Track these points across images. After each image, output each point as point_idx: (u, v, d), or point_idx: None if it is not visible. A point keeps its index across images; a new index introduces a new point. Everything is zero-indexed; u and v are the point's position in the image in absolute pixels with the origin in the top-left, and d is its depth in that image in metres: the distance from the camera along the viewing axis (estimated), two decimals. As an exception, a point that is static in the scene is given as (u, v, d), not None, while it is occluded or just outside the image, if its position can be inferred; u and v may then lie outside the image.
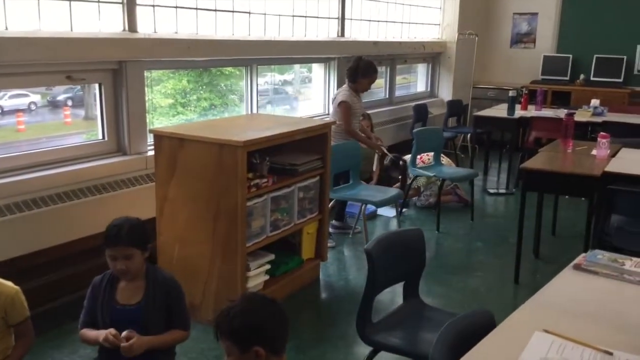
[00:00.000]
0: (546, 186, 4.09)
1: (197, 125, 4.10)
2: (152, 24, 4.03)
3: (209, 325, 1.80)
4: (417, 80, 8.43)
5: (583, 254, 2.38)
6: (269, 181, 3.44)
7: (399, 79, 7.67)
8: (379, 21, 6.88)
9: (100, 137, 3.87)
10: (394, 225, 5.23)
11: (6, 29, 3.24)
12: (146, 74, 4.04)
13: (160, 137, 3.37)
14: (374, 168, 5.88)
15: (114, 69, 3.79)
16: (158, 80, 4.72)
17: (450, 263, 4.51)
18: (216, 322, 1.75)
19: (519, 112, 6.54)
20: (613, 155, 4.18)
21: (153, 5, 4.02)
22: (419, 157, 5.62)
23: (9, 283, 2.28)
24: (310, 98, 6.32)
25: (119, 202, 3.60)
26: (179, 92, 5.01)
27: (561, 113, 5.84)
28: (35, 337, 2.38)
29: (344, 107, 4.73)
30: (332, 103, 4.98)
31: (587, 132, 6.04)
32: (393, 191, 4.82)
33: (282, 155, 3.69)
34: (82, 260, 3.50)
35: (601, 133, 4.25)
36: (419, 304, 2.71)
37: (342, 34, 6.16)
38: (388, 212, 5.41)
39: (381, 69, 6.83)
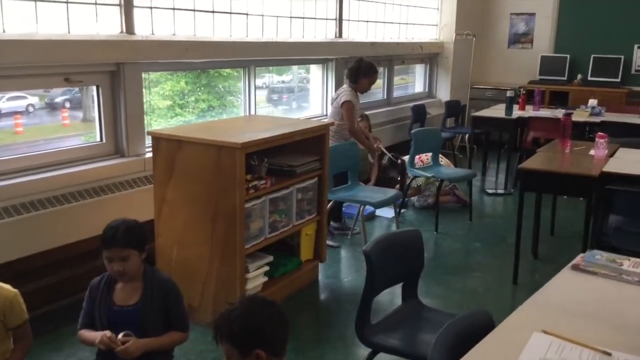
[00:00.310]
0: (544, 186, 4.09)
1: (195, 126, 4.10)
2: (150, 25, 4.03)
3: (207, 327, 1.80)
4: (415, 81, 8.44)
5: (581, 254, 2.38)
6: (267, 183, 3.44)
7: (396, 79, 7.68)
8: (376, 22, 6.89)
9: (98, 139, 3.87)
10: (392, 226, 5.23)
11: (3, 31, 3.24)
12: (144, 75, 4.04)
13: (158, 139, 3.37)
14: (371, 162, 5.86)
15: (112, 70, 3.79)
16: (156, 82, 4.72)
17: (448, 263, 4.51)
18: (216, 325, 1.75)
19: (516, 113, 6.55)
20: (611, 155, 4.18)
21: (150, 7, 4.02)
22: (417, 157, 5.62)
23: (7, 286, 2.27)
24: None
25: (117, 205, 3.60)
26: (177, 94, 5.01)
27: (559, 113, 5.85)
28: (34, 339, 2.38)
29: (348, 107, 4.74)
30: (332, 103, 4.98)
31: (585, 132, 6.04)
32: (391, 192, 4.82)
33: (281, 157, 3.69)
34: (80, 262, 3.50)
35: (599, 133, 4.26)
36: (417, 305, 2.71)
37: (340, 35, 6.16)
38: (387, 212, 5.41)
39: (379, 70, 6.82)
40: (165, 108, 4.89)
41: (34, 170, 3.44)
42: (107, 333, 2.18)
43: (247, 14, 4.89)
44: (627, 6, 8.01)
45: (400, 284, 2.73)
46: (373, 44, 6.57)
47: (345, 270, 4.39)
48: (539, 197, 4.56)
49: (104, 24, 3.76)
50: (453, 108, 7.78)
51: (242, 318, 1.72)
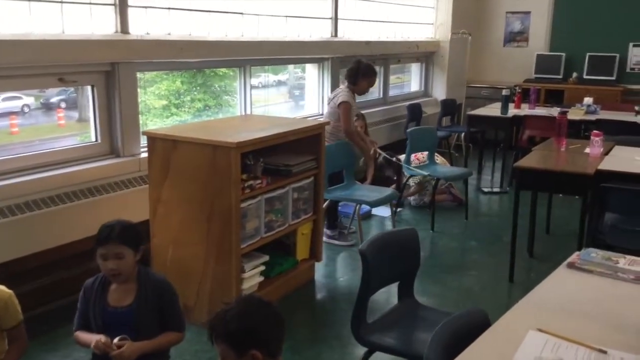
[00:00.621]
0: (540, 185, 4.10)
1: (190, 126, 4.09)
2: (145, 25, 4.02)
3: (202, 327, 1.79)
4: (411, 80, 8.44)
5: (577, 253, 2.38)
6: (263, 182, 3.43)
7: (392, 78, 7.68)
8: (372, 21, 6.88)
9: (94, 139, 3.86)
10: (388, 225, 5.23)
11: (-3, 31, 3.23)
12: (139, 75, 4.03)
13: (154, 139, 3.36)
14: (361, 163, 5.84)
15: (107, 70, 3.78)
16: (152, 81, 4.71)
17: (444, 262, 4.52)
18: (211, 325, 1.74)
19: (512, 111, 6.56)
20: (606, 153, 4.19)
21: (145, 7, 4.01)
22: (413, 155, 5.62)
23: (2, 287, 2.27)
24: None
25: (112, 205, 3.59)
26: (172, 94, 5.00)
27: (554, 111, 5.87)
28: (29, 341, 2.37)
29: (345, 107, 4.72)
30: (329, 103, 4.97)
31: (580, 130, 6.04)
32: (388, 191, 4.83)
33: (276, 156, 3.69)
34: (76, 263, 3.48)
35: (594, 131, 4.27)
36: (413, 304, 2.71)
37: (336, 34, 6.16)
38: (383, 211, 5.41)
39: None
40: (161, 108, 4.88)
41: (29, 171, 3.43)
42: (102, 338, 2.16)
43: (242, 14, 4.89)
44: (622, 4, 8.03)
45: (397, 283, 2.73)
46: (369, 43, 6.57)
47: (342, 269, 4.39)
48: (534, 196, 4.57)
49: (99, 24, 3.74)
50: (449, 107, 7.79)
51: (238, 318, 1.71)
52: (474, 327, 1.79)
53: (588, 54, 8.18)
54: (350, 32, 6.42)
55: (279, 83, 6.43)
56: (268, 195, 3.50)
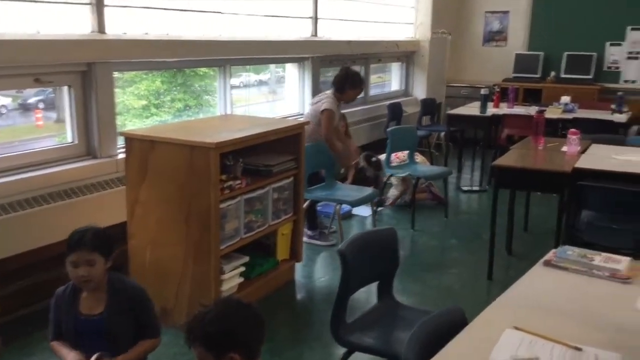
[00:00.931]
0: (518, 183, 4.13)
1: (169, 126, 4.06)
2: (122, 25, 3.98)
3: (181, 329, 1.77)
4: (392, 79, 8.47)
5: (553, 250, 2.40)
6: (242, 183, 3.41)
7: (373, 78, 7.70)
8: (352, 20, 6.89)
9: (70, 140, 3.81)
10: (369, 225, 5.25)
11: (-30, 31, 3.18)
12: (117, 75, 3.99)
13: (131, 140, 3.32)
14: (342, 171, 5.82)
15: (83, 70, 3.74)
16: (131, 81, 4.66)
17: (425, 260, 4.54)
18: (188, 328, 1.73)
19: (491, 110, 6.60)
20: (583, 151, 4.23)
21: (123, 6, 3.97)
22: (394, 154, 5.64)
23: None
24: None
25: (89, 207, 3.54)
26: (152, 94, 4.95)
27: (532, 110, 5.92)
28: (5, 345, 2.33)
29: (328, 115, 4.70)
30: (312, 105, 4.95)
31: (557, 129, 6.10)
32: (368, 190, 4.83)
33: (256, 156, 3.67)
34: (54, 266, 3.41)
35: (571, 130, 4.31)
36: (393, 303, 2.71)
37: (316, 34, 6.15)
38: (363, 211, 5.42)
39: (355, 69, 6.83)
40: (141, 108, 4.83)
41: (5, 173, 3.38)
42: (77, 356, 2.14)
43: (221, 13, 4.86)
44: (599, 4, 8.12)
45: (376, 283, 2.73)
46: (349, 42, 6.57)
47: (322, 269, 4.39)
48: (513, 194, 4.61)
49: (75, 24, 3.70)
50: (429, 106, 7.82)
51: (216, 321, 1.70)
52: (452, 325, 1.80)
53: (566, 53, 8.27)
54: (330, 31, 6.42)
55: (261, 83, 6.41)
56: (248, 196, 3.49)
